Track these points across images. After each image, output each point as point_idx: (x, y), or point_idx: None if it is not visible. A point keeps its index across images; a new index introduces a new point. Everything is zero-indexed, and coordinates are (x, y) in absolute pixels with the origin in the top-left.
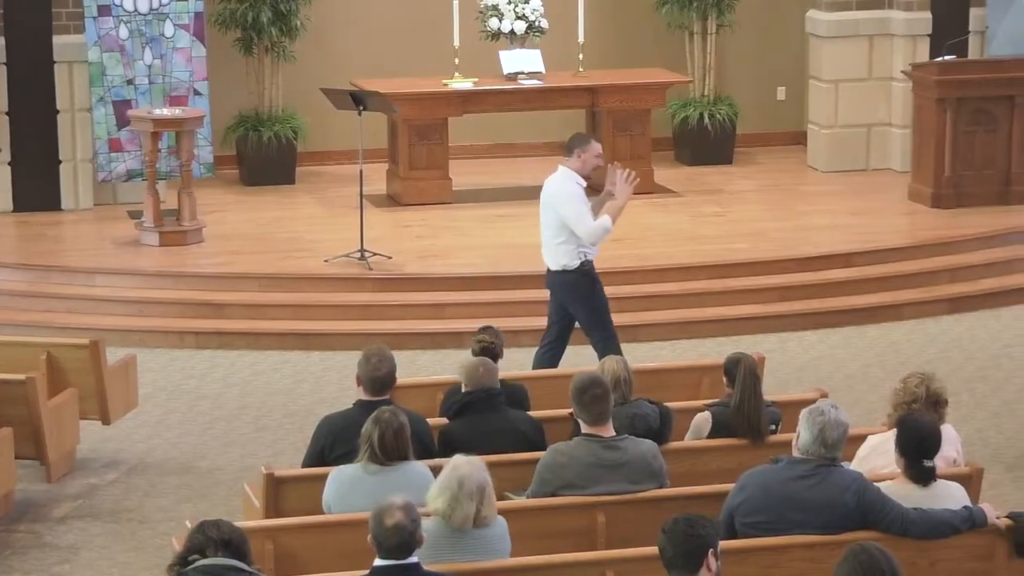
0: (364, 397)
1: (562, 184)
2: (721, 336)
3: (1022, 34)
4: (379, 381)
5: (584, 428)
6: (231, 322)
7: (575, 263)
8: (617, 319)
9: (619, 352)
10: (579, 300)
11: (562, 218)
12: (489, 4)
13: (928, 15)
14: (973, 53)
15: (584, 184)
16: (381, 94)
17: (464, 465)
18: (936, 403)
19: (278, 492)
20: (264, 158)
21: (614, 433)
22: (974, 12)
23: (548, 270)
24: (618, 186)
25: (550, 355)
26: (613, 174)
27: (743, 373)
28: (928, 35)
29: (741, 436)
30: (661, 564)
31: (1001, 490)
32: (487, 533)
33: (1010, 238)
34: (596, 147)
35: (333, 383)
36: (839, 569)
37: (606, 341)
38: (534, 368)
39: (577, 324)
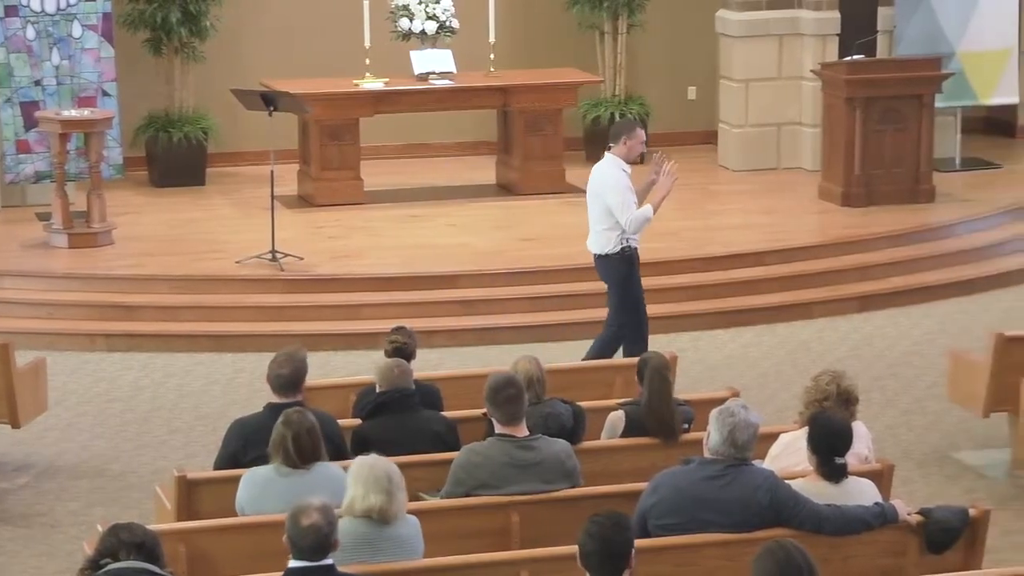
0: (274, 399)
1: (608, 171)
2: None
3: (930, 34)
4: (282, 380)
5: (498, 428)
6: (142, 324)
7: (617, 248)
8: (531, 319)
9: (637, 345)
10: (614, 282)
11: (607, 205)
12: (400, 4)
13: (837, 15)
14: (882, 53)
15: (629, 170)
16: (292, 95)
17: (368, 458)
18: (847, 401)
19: (190, 494)
20: (174, 159)
21: (528, 433)
22: (882, 12)
23: (594, 256)
24: (661, 177)
25: (628, 341)
26: (658, 163)
27: (650, 373)
28: (837, 35)
29: (653, 435)
30: (581, 565)
31: (912, 486)
32: (400, 533)
33: (919, 236)
34: (641, 134)
35: (245, 385)
36: (756, 566)
37: (621, 330)
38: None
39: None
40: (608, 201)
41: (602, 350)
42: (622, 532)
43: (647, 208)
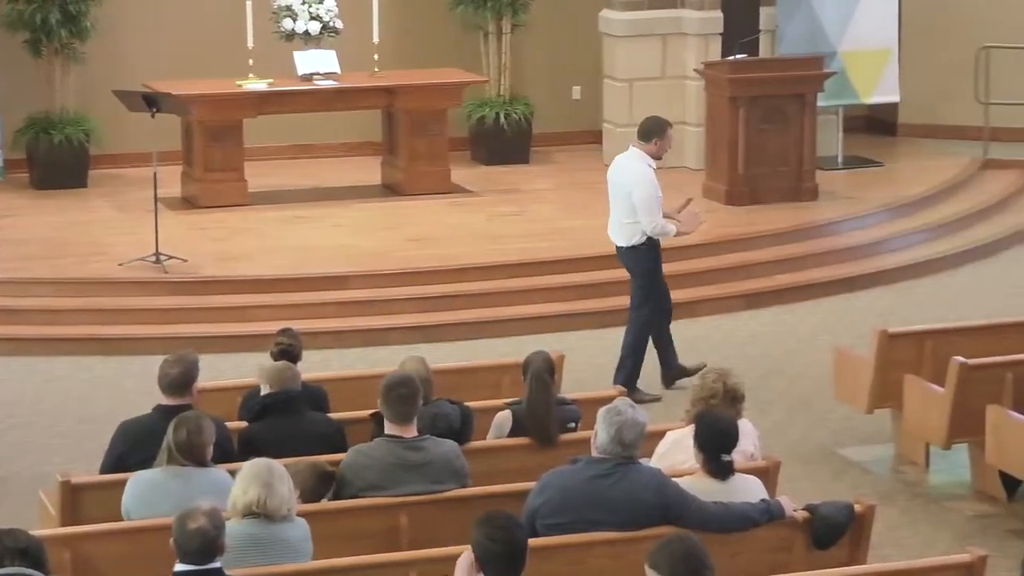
0: (163, 402)
1: (636, 166)
2: (522, 335)
3: (811, 33)
4: (171, 379)
5: (387, 428)
6: (25, 328)
7: (644, 239)
8: (417, 319)
9: (645, 340)
10: (641, 272)
11: (633, 201)
12: (283, 4)
13: (719, 14)
14: (764, 52)
15: (655, 166)
16: (174, 96)
17: (261, 460)
18: (734, 399)
19: (75, 499)
20: (56, 161)
21: (416, 434)
22: (764, 11)
23: (618, 247)
24: (686, 219)
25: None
26: (683, 204)
27: (530, 377)
28: (720, 34)
29: (531, 437)
30: (479, 568)
31: (798, 483)
32: (288, 535)
33: (803, 234)
34: (672, 135)
35: (130, 388)
36: (656, 555)
37: (653, 315)
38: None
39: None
40: (635, 196)
41: (637, 339)
42: (521, 532)
43: (672, 227)
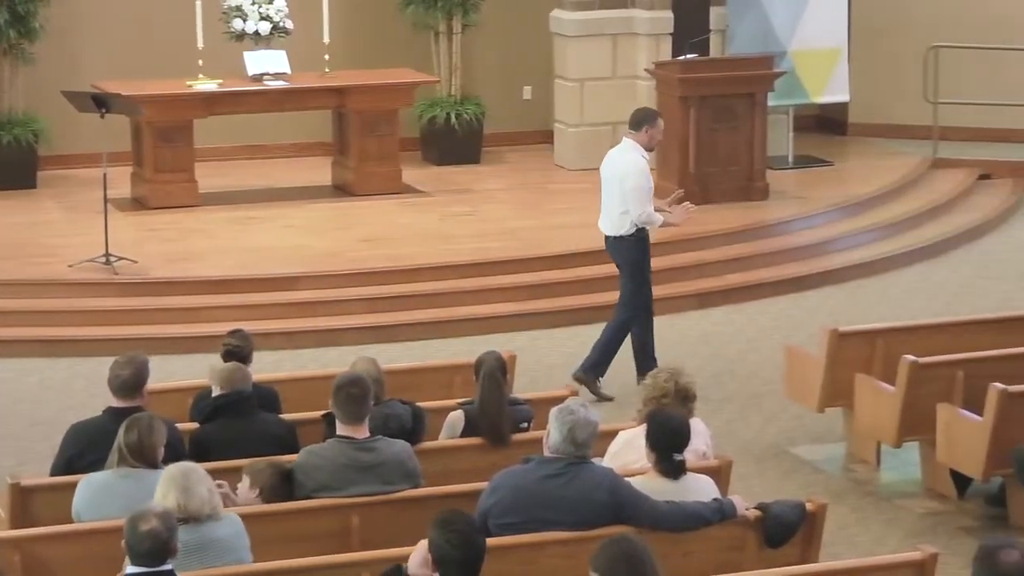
0: (114, 404)
1: (630, 156)
2: (475, 335)
3: (761, 33)
4: (121, 381)
5: (339, 428)
6: None
7: (632, 230)
8: (370, 320)
9: (622, 338)
10: (629, 262)
11: (625, 189)
12: (233, 5)
13: (670, 14)
14: (715, 52)
15: (647, 157)
16: (123, 96)
17: (177, 464)
18: (685, 398)
19: (24, 501)
20: (4, 162)
21: (368, 434)
22: (715, 11)
23: (607, 237)
24: (676, 211)
25: (638, 325)
26: (675, 199)
27: (482, 377)
28: (671, 34)
29: (484, 438)
30: (434, 570)
31: (750, 482)
32: (220, 534)
33: (753, 234)
34: (662, 124)
35: (80, 390)
36: (599, 557)
37: (636, 312)
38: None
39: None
40: (626, 186)
41: (616, 333)
42: (480, 537)
43: (659, 216)
